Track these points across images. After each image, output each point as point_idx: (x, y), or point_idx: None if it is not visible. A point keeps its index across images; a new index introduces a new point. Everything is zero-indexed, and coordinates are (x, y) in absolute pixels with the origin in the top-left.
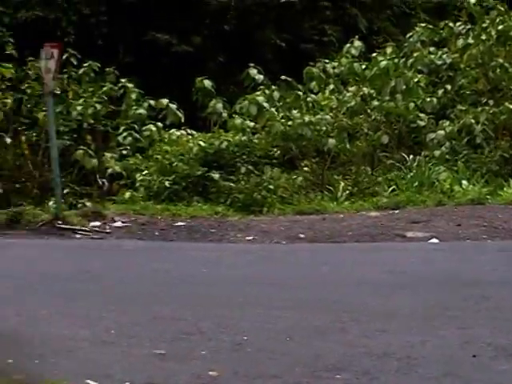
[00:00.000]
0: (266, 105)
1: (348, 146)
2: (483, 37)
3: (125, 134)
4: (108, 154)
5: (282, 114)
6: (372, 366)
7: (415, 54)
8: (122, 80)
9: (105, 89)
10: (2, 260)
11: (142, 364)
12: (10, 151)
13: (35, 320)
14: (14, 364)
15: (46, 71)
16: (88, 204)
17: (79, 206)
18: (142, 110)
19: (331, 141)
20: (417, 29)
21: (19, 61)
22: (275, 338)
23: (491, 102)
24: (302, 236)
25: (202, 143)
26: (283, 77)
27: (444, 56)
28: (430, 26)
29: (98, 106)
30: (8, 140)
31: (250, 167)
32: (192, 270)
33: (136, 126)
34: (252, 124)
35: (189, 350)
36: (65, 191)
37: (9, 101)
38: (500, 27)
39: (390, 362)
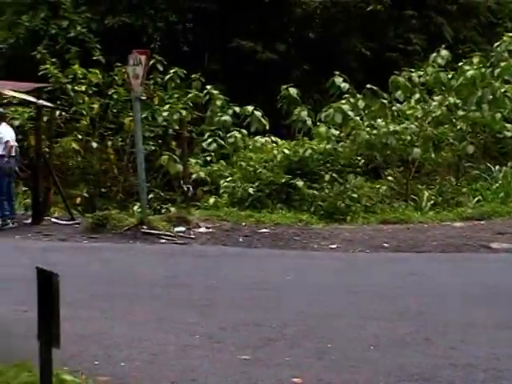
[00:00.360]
0: (350, 113)
1: (433, 155)
2: None
3: (209, 140)
4: (193, 160)
5: (366, 123)
6: (457, 377)
7: (502, 64)
8: (208, 87)
9: (190, 95)
10: (89, 263)
11: (227, 369)
12: (96, 156)
13: (122, 323)
14: (101, 366)
15: (134, 77)
16: (172, 209)
17: (163, 211)
18: (226, 117)
19: (416, 150)
20: (504, 38)
21: (106, 66)
22: (359, 346)
23: None
24: (385, 245)
25: (286, 151)
26: (368, 85)
27: None
28: None
29: (184, 112)
30: (94, 145)
31: (333, 175)
32: (276, 276)
33: (221, 133)
34: (337, 132)
35: (273, 356)
36: (149, 196)
37: (95, 106)
38: None
39: (476, 373)
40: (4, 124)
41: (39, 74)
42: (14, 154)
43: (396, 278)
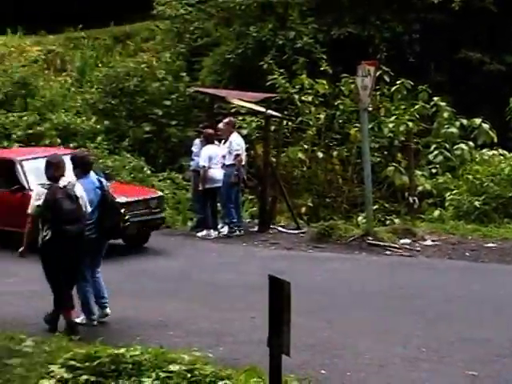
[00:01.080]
0: None
1: None
2: None
3: (435, 152)
4: (418, 172)
5: None
6: None
7: None
8: (434, 98)
9: (417, 107)
10: (315, 273)
11: None
12: (322, 166)
13: (347, 333)
14: (328, 375)
15: (362, 88)
16: (396, 221)
17: (387, 222)
18: (453, 129)
19: None
20: None
21: (332, 77)
22: None
23: None
24: None
25: None
26: None
27: None
28: None
29: (410, 124)
30: (320, 155)
31: None
32: (502, 292)
33: (447, 145)
34: None
35: (503, 373)
36: (374, 207)
37: (321, 116)
38: None
39: None
40: (235, 133)
41: (267, 84)
42: (243, 164)
43: None
